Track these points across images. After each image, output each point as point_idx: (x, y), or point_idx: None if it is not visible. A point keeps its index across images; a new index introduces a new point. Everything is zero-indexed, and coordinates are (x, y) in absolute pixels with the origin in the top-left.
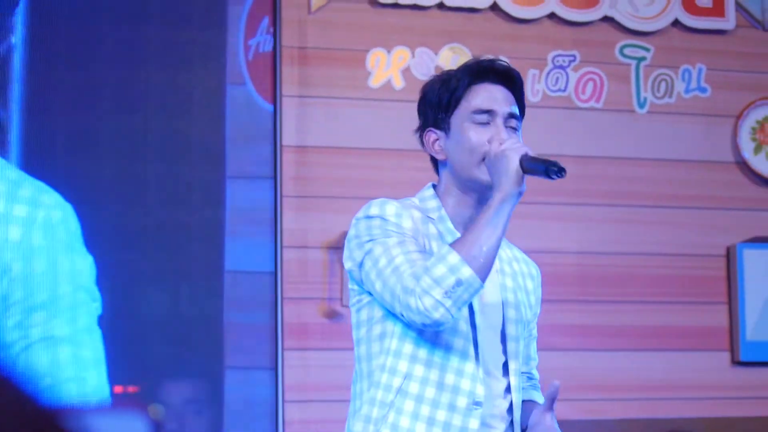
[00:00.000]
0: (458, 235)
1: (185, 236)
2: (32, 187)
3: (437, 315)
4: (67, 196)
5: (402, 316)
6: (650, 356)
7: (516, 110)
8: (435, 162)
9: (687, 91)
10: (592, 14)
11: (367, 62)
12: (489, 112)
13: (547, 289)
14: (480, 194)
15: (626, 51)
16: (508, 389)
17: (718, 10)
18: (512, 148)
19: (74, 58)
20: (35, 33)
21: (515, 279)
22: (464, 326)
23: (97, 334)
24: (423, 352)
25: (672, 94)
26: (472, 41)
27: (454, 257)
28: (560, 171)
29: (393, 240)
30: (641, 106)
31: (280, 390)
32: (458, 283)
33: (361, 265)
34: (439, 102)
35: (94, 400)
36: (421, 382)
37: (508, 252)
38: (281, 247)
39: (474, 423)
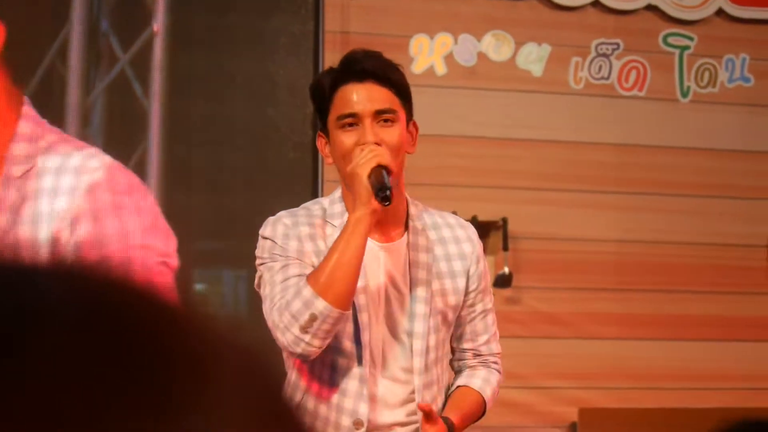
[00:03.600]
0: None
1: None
2: (79, 155)
3: (299, 350)
4: (201, 183)
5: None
6: (690, 346)
7: (385, 104)
8: None
9: (730, 80)
10: (636, 2)
11: (410, 48)
12: (352, 115)
13: (586, 277)
14: None
15: (670, 40)
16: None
17: (762, 0)
18: (361, 163)
19: (213, 46)
20: (176, 19)
21: (431, 268)
22: (348, 345)
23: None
24: (316, 371)
25: (715, 83)
26: (516, 28)
27: (307, 291)
28: (384, 199)
29: (278, 265)
30: (684, 95)
31: None
32: (312, 317)
33: (258, 287)
34: (316, 105)
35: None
36: (315, 399)
37: (432, 236)
38: None
39: None
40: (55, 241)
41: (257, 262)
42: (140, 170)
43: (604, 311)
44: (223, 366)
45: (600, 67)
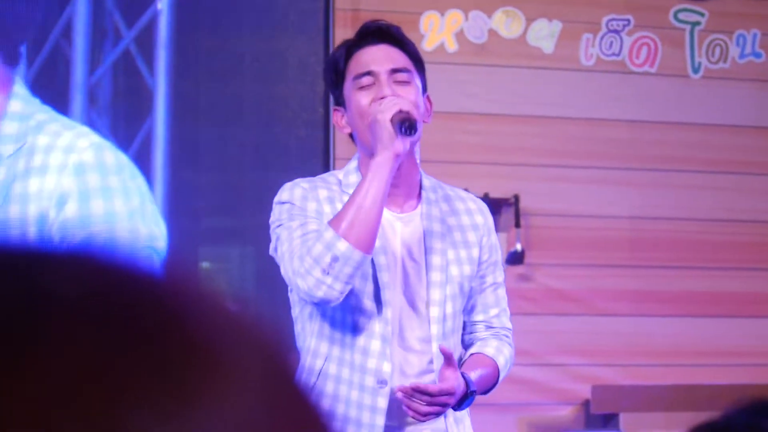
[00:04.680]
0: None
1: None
2: (70, 134)
3: (320, 293)
4: (209, 162)
5: (300, 296)
6: (704, 322)
7: (401, 63)
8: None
9: (741, 56)
10: None
11: (421, 25)
12: (369, 73)
13: (598, 253)
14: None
15: (681, 15)
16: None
17: None
18: (382, 110)
19: (218, 26)
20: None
21: (445, 238)
22: (369, 304)
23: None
24: (338, 333)
25: (726, 59)
26: (526, 4)
27: (329, 233)
28: (410, 128)
29: (296, 223)
30: (695, 71)
31: None
32: (334, 258)
33: (275, 250)
34: (331, 81)
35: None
36: (338, 363)
37: (444, 207)
38: None
39: (382, 402)
40: (42, 220)
41: (273, 226)
42: (146, 149)
43: (617, 288)
44: (236, 351)
45: (611, 44)
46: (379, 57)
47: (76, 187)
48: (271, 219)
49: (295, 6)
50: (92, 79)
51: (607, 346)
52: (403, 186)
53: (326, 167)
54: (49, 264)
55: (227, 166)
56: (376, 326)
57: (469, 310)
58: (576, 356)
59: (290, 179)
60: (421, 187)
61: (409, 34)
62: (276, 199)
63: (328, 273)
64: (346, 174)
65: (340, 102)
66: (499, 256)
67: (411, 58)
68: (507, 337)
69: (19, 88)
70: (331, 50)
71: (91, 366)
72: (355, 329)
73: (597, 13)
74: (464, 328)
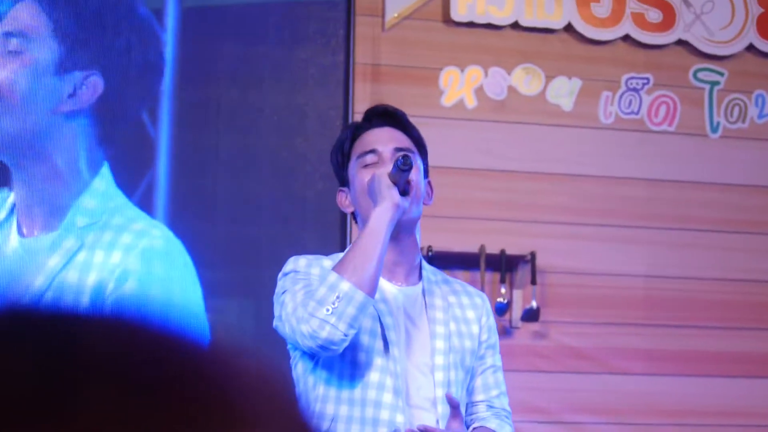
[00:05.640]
0: (387, 287)
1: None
2: (145, 221)
3: (324, 334)
4: (212, 216)
5: (304, 348)
6: (719, 382)
7: (405, 144)
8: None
9: (760, 116)
10: (667, 37)
11: (440, 80)
12: (373, 151)
13: (613, 311)
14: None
15: (700, 75)
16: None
17: None
18: (381, 171)
19: (194, 75)
20: (184, 51)
21: (447, 311)
22: (379, 360)
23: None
24: (346, 393)
25: (745, 119)
26: (546, 62)
27: (332, 276)
28: (404, 163)
29: (299, 285)
30: (714, 130)
31: None
32: (338, 298)
33: (279, 318)
34: (336, 162)
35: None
36: (346, 422)
37: (444, 288)
38: None
39: None
40: (99, 290)
41: (278, 297)
42: (148, 199)
43: (632, 346)
44: (256, 406)
45: (630, 102)
46: (383, 137)
47: (140, 269)
48: (276, 291)
49: (315, 60)
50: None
51: (621, 405)
52: (405, 264)
53: (344, 221)
54: (97, 329)
55: (244, 218)
56: (388, 380)
57: (470, 391)
58: (590, 414)
59: (309, 233)
60: (421, 268)
61: (429, 90)
62: (280, 273)
63: (332, 313)
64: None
65: (345, 182)
66: (497, 340)
67: (414, 142)
68: (507, 418)
69: (105, 170)
70: (351, 104)
71: (124, 427)
72: (366, 384)
73: (616, 71)
74: (465, 409)
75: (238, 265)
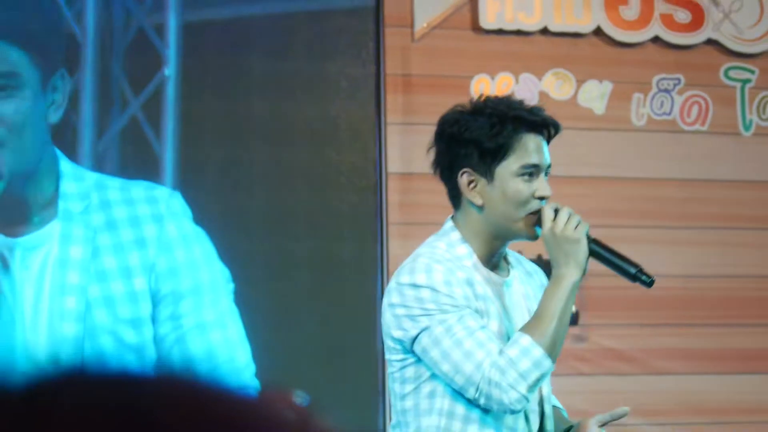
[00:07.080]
0: (495, 279)
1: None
2: (141, 187)
3: (519, 406)
4: (218, 224)
5: (473, 399)
6: (759, 379)
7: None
8: (456, 198)
9: None
10: (696, 37)
11: (471, 88)
12: (535, 166)
13: (651, 312)
14: (511, 239)
15: (731, 73)
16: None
17: None
18: (580, 231)
19: (225, 89)
20: (187, 65)
21: (530, 299)
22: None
23: (236, 313)
24: (475, 414)
25: None
26: (576, 66)
27: (538, 351)
28: (649, 281)
29: (452, 317)
30: (747, 128)
31: None
32: (540, 376)
33: (415, 339)
34: (484, 148)
35: (245, 377)
36: None
37: (519, 269)
38: (386, 274)
39: None
40: (148, 268)
41: (408, 312)
42: None
43: (671, 346)
44: None
45: (662, 103)
46: (544, 151)
47: (176, 234)
48: (400, 301)
49: (346, 72)
50: (99, 147)
51: (662, 405)
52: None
53: (380, 233)
54: (146, 388)
55: (277, 232)
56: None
57: None
58: (632, 416)
59: (344, 246)
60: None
61: (460, 98)
62: (405, 280)
63: (532, 390)
64: (449, 246)
65: (481, 171)
66: None
67: None
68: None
69: (59, 152)
70: (383, 116)
71: None
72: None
73: (647, 73)
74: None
75: (274, 281)
